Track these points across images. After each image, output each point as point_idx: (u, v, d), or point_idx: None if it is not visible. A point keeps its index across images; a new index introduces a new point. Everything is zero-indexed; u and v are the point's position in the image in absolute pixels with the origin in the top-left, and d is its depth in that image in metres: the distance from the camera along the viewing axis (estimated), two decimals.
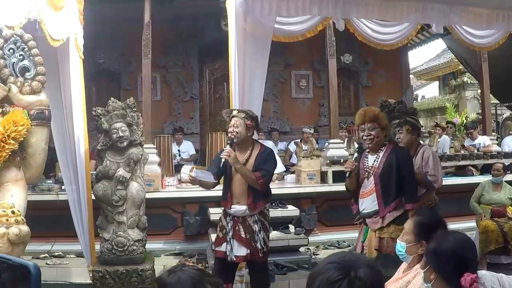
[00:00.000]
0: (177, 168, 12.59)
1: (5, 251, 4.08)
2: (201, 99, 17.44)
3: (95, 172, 8.23)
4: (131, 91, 16.00)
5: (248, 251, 6.55)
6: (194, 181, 6.64)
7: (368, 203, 6.16)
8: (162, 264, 9.11)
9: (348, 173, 6.31)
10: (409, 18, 9.36)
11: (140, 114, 8.27)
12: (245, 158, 6.63)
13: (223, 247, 6.72)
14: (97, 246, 8.44)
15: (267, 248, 6.67)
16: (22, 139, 4.80)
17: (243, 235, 6.57)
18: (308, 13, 8.80)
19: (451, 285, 3.45)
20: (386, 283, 4.72)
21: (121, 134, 7.70)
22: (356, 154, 6.59)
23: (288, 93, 17.93)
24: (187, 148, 14.66)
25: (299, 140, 14.16)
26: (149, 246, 8.63)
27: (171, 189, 11.18)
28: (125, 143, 7.76)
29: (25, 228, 4.13)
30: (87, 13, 8.64)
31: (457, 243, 3.60)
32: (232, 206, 6.65)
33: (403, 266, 4.66)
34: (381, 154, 6.13)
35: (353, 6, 8.61)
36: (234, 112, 6.77)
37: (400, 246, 4.51)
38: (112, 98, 8.02)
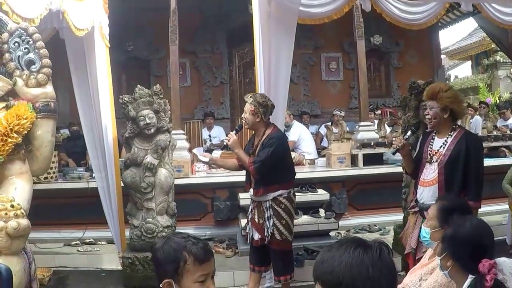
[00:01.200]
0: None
1: (4, 245, 4.10)
2: (231, 84, 17.44)
3: (124, 159, 8.29)
4: (161, 78, 16.22)
5: (260, 236, 6.60)
6: (209, 163, 6.74)
7: (428, 194, 5.64)
8: None
9: (394, 150, 5.99)
10: None
11: (167, 100, 8.30)
12: (256, 144, 6.68)
13: (247, 229, 6.96)
14: (127, 233, 8.52)
15: (282, 236, 6.59)
16: (27, 132, 4.81)
17: (257, 220, 6.64)
18: None
19: (468, 272, 3.40)
20: (412, 269, 4.70)
21: (148, 121, 7.75)
22: (409, 133, 6.28)
23: (318, 76, 17.91)
24: (218, 133, 14.62)
25: (329, 123, 14.11)
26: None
27: (201, 174, 11.18)
28: (152, 130, 7.81)
29: (24, 222, 4.14)
30: (114, 1, 8.67)
31: (474, 229, 3.54)
32: (250, 189, 6.76)
33: (429, 252, 4.61)
34: (449, 140, 5.58)
35: None
36: (247, 98, 6.81)
37: (425, 232, 4.45)
38: (138, 86, 8.06)
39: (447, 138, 5.59)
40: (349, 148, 11.44)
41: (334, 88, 18.01)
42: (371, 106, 14.41)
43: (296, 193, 7.09)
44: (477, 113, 15.67)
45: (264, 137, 6.57)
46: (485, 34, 22.20)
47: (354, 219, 11.12)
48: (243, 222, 8.94)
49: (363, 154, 11.29)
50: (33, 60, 5.10)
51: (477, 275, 3.23)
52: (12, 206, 4.20)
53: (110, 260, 9.10)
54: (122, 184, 8.34)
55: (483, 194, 9.49)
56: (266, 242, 6.57)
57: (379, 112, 15.58)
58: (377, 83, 18.22)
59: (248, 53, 16.29)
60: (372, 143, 11.45)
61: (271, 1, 8.07)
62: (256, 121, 6.60)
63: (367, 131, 11.97)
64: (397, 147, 5.85)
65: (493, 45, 23.21)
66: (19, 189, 4.68)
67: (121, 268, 8.32)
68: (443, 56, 24.18)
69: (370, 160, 11.28)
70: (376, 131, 12.42)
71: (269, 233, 6.50)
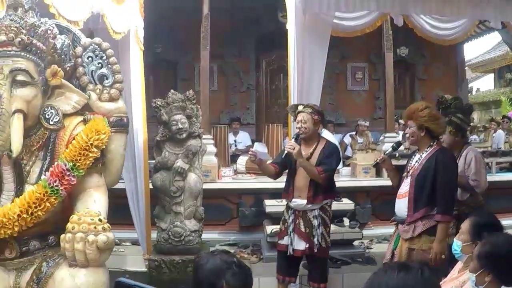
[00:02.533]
0: (233, 159, 12.64)
1: (94, 257, 4.24)
2: (258, 90, 17.48)
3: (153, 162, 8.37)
4: (188, 81, 16.25)
5: (307, 245, 6.53)
6: (255, 161, 6.67)
7: (402, 206, 5.85)
8: None
9: (374, 163, 6.44)
10: (466, 14, 9.35)
11: (199, 106, 8.37)
12: (309, 152, 6.63)
13: (285, 241, 6.72)
14: (153, 235, 8.59)
15: (326, 244, 6.63)
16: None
17: (303, 229, 6.56)
18: (366, 9, 8.85)
19: (505, 285, 3.58)
20: (442, 282, 4.78)
21: (180, 126, 7.82)
22: (390, 149, 6.47)
23: (344, 85, 17.90)
24: (244, 138, 14.71)
25: (354, 133, 14.17)
26: (204, 236, 8.71)
27: (227, 180, 11.23)
28: (184, 135, 7.88)
29: (111, 236, 4.27)
30: (146, 2, 8.76)
31: (510, 243, 3.72)
32: (293, 199, 6.65)
33: (459, 265, 4.67)
34: (423, 155, 5.81)
35: (410, 2, 8.64)
36: (300, 108, 6.78)
37: (456, 245, 4.53)
38: (172, 90, 8.15)
39: (423, 153, 5.82)
40: (374, 158, 11.51)
41: (359, 98, 18.02)
42: (395, 117, 14.43)
43: None
44: (500, 127, 15.71)
45: (321, 146, 6.67)
46: (508, 48, 22.18)
47: (377, 229, 11.13)
48: (269, 228, 9.00)
49: None
50: (106, 75, 5.20)
51: None
52: (100, 220, 4.33)
53: (135, 261, 9.14)
54: (151, 187, 8.43)
55: (505, 207, 9.60)
56: (315, 251, 6.54)
57: (402, 121, 15.62)
58: (401, 94, 18.10)
59: (275, 60, 16.40)
60: (397, 155, 11.48)
61: (306, 12, 8.18)
62: (316, 129, 6.68)
63: (392, 142, 12.03)
64: (377, 161, 6.27)
65: None
66: (98, 201, 4.79)
67: (146, 270, 8.40)
68: (465, 69, 24.20)
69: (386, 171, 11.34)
70: (401, 142, 12.46)
71: (319, 241, 6.51)
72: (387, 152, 6.42)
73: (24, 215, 4.37)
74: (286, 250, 6.68)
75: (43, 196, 4.45)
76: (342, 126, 17.06)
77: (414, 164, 5.85)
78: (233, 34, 16.18)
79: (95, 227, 4.30)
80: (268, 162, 7.00)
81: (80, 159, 4.60)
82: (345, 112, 17.58)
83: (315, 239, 6.52)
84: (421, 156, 5.82)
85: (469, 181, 6.76)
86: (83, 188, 4.83)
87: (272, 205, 9.37)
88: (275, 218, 8.29)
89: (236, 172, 11.61)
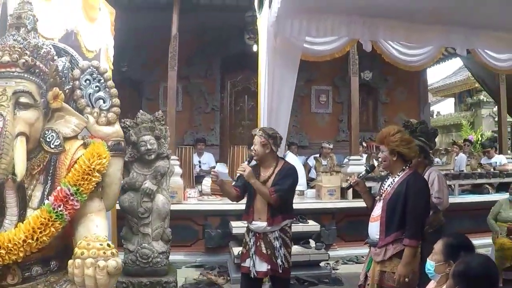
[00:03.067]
0: (197, 180, 12.65)
1: (104, 283, 4.17)
2: (222, 111, 17.58)
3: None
4: (153, 101, 16.29)
5: (269, 267, 6.56)
6: (217, 181, 6.70)
7: (374, 229, 5.87)
8: (183, 276, 9.12)
9: (348, 186, 6.59)
10: (433, 42, 9.51)
11: (167, 127, 8.36)
12: (267, 175, 6.66)
13: (247, 263, 6.74)
14: (120, 257, 8.52)
15: (289, 264, 6.65)
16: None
17: (264, 251, 6.59)
18: (336, 34, 8.92)
19: None
20: None
21: (149, 147, 7.76)
22: (363, 172, 6.53)
23: (308, 107, 18.13)
24: (208, 159, 14.72)
25: (318, 155, 14.26)
26: (170, 257, 8.64)
27: (193, 201, 11.28)
28: (153, 156, 7.81)
29: (120, 261, 4.21)
30: (115, 20, 8.76)
31: (483, 263, 3.93)
32: (253, 222, 6.67)
33: (432, 284, 4.78)
34: (396, 179, 5.80)
35: (380, 28, 8.75)
36: (255, 131, 6.82)
37: (430, 265, 4.66)
38: (141, 111, 8.10)
39: (395, 178, 5.81)
40: (339, 180, 11.62)
41: (322, 121, 18.23)
42: (359, 140, 14.59)
43: None
44: (462, 150, 15.98)
45: (278, 168, 6.66)
46: (469, 73, 22.51)
47: (342, 250, 11.36)
48: (235, 250, 9.02)
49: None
50: (104, 99, 5.16)
51: None
52: (108, 245, 4.29)
53: None
54: (118, 207, 8.38)
55: (467, 228, 9.83)
56: (280, 272, 6.56)
57: (364, 144, 15.82)
58: (364, 117, 18.36)
59: (240, 81, 16.53)
60: (363, 178, 11.61)
61: (277, 36, 8.24)
62: (266, 152, 6.62)
63: (357, 165, 12.20)
64: (350, 183, 6.37)
65: (477, 85, 23.48)
66: (100, 226, 4.71)
67: None
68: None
69: (359, 193, 11.46)
70: (365, 165, 12.62)
71: (282, 262, 6.53)
72: (360, 174, 6.44)
73: (29, 240, 4.29)
74: (247, 272, 6.72)
75: (47, 221, 4.38)
76: (306, 148, 17.27)
77: (386, 188, 5.83)
78: (199, 55, 16.23)
79: (104, 253, 4.24)
80: (233, 184, 7.03)
81: (83, 184, 4.55)
82: (309, 134, 17.78)
83: (279, 260, 6.54)
84: (393, 180, 5.81)
85: (432, 199, 6.98)
86: (84, 212, 4.76)
87: (238, 227, 9.39)
88: (241, 240, 8.31)
89: (201, 193, 11.63)
